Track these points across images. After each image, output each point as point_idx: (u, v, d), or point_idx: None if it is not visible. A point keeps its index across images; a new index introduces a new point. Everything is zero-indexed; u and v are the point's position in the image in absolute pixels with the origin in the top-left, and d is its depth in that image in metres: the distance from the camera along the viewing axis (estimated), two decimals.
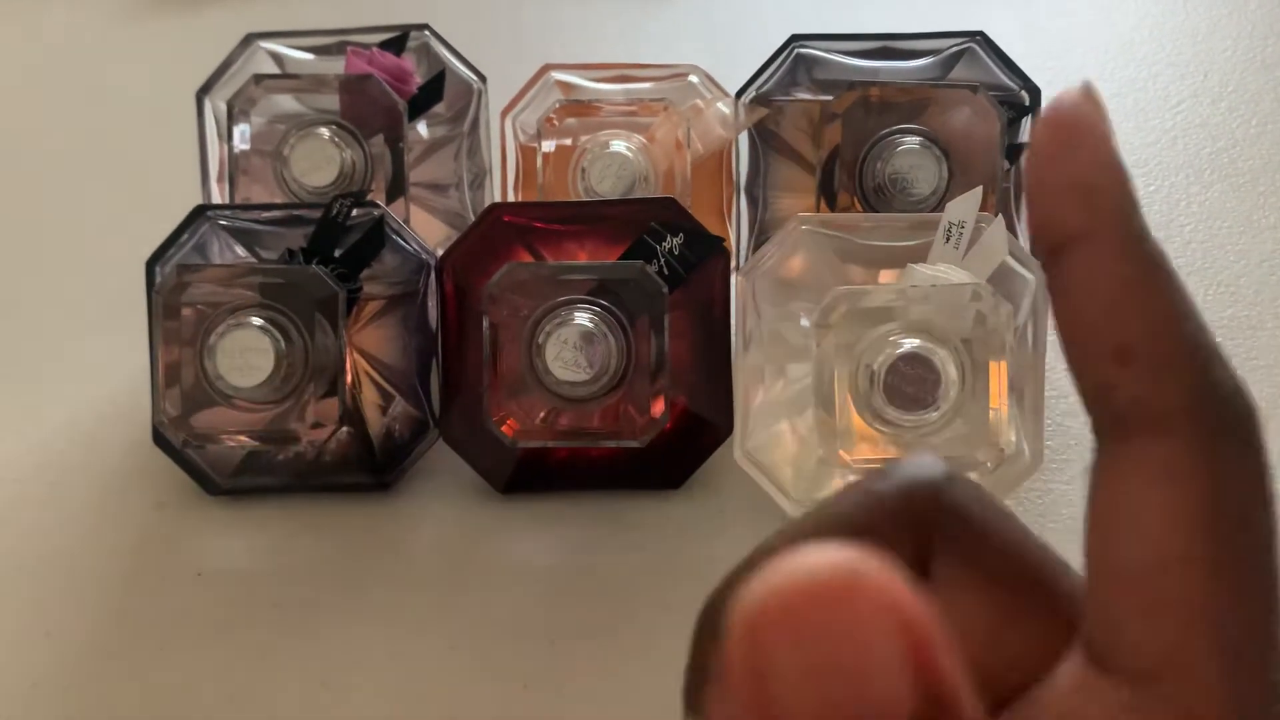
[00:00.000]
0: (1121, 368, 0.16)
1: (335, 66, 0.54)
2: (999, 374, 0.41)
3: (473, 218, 0.56)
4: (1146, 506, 0.16)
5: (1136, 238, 0.17)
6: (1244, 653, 0.16)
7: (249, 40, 0.55)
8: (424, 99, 0.53)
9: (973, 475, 0.41)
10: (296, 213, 0.47)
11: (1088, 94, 0.17)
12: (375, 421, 0.47)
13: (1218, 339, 0.17)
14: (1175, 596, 0.16)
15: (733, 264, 0.50)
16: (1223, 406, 0.16)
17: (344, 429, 0.45)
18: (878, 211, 0.49)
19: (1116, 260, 0.17)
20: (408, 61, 0.53)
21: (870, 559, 0.14)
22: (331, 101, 0.52)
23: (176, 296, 0.44)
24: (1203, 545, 0.16)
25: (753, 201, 0.53)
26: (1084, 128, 0.17)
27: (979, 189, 0.43)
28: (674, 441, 0.45)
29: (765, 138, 0.52)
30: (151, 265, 0.46)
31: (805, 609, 0.13)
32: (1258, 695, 0.16)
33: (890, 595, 0.14)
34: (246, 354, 0.42)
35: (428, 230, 0.54)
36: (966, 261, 0.42)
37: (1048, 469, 0.47)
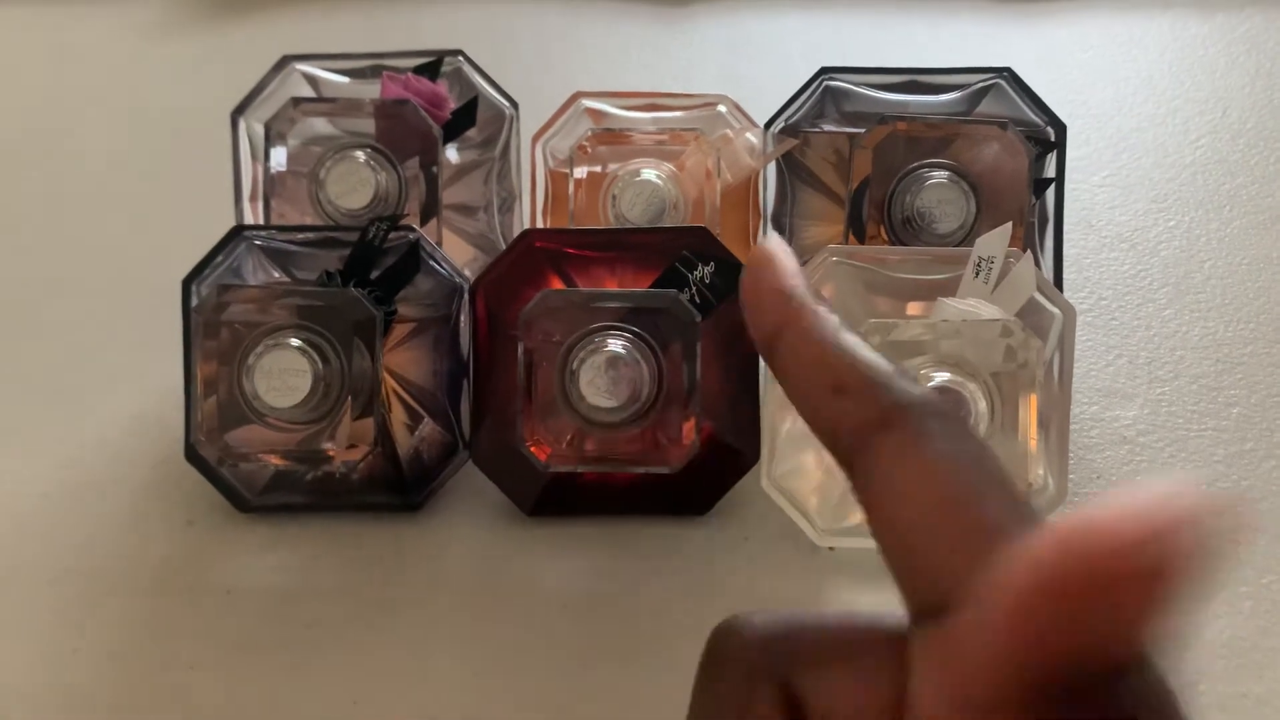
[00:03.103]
0: (840, 398, 0.23)
1: (369, 89, 0.55)
2: (1029, 408, 0.41)
3: (501, 240, 0.56)
4: (899, 479, 0.22)
5: (816, 313, 0.24)
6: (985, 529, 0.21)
7: (284, 62, 0.56)
8: (457, 124, 0.54)
9: None
10: (331, 234, 0.47)
11: (775, 240, 0.26)
12: (404, 442, 0.47)
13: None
14: (936, 529, 0.22)
15: None
16: (914, 400, 0.23)
17: (375, 449, 0.45)
18: (905, 244, 0.50)
19: (810, 330, 0.24)
20: (442, 87, 0.54)
21: None
22: (366, 125, 0.52)
23: (216, 315, 0.44)
24: (943, 488, 0.22)
25: (779, 230, 0.54)
26: (774, 259, 0.25)
27: (1008, 224, 0.44)
28: (701, 468, 0.46)
29: (793, 168, 0.53)
30: (188, 284, 0.46)
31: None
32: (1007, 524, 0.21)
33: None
34: (285, 375, 0.42)
35: (455, 252, 0.55)
36: (995, 296, 0.43)
37: (1071, 502, 0.47)
